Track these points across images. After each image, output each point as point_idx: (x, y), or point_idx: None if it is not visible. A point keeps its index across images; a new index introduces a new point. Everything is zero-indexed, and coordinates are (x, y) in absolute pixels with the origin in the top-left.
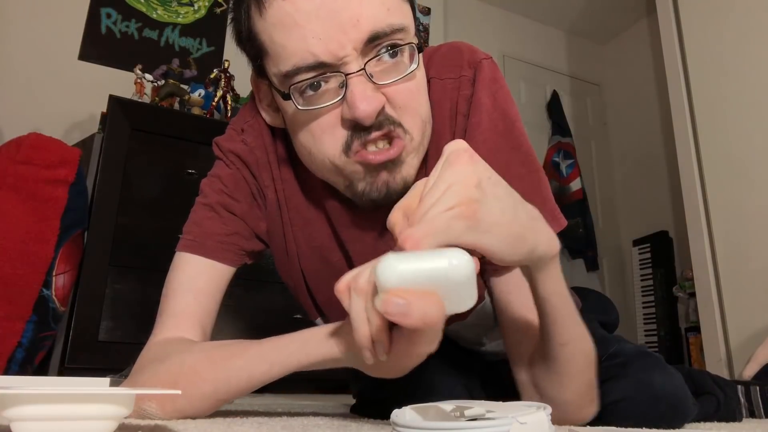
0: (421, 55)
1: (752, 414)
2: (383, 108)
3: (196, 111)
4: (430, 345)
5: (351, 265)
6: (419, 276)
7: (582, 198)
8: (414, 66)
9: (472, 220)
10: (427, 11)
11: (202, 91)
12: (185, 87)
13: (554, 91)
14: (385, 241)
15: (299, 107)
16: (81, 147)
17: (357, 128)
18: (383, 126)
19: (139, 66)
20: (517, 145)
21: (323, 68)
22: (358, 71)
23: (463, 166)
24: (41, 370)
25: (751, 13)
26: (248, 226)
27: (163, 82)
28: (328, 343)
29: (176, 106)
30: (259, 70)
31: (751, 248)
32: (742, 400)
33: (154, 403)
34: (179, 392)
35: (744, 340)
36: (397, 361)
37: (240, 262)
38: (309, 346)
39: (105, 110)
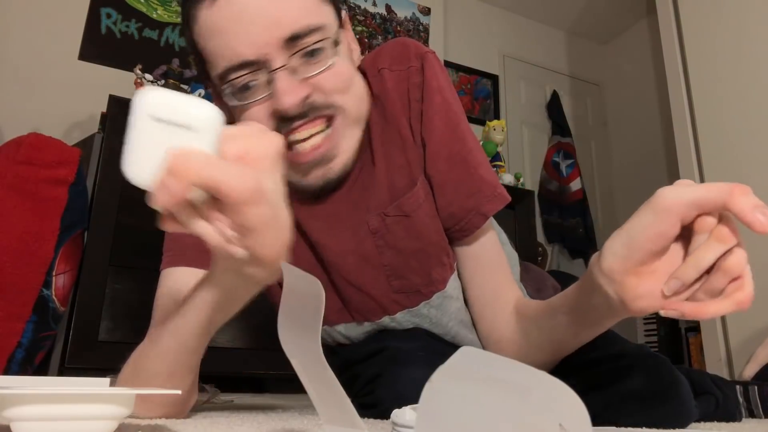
0: (340, 47)
1: (751, 414)
2: (307, 97)
3: None
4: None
5: (322, 263)
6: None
7: (582, 198)
8: (335, 58)
9: None
10: (427, 11)
11: (201, 91)
12: (185, 87)
13: (554, 91)
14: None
15: (231, 104)
16: (81, 147)
17: (284, 119)
18: (308, 114)
19: (139, 66)
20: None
21: (250, 66)
22: (282, 66)
23: None
24: (41, 370)
25: (751, 13)
26: None
27: (163, 82)
28: (207, 287)
29: None
30: (206, 76)
31: (751, 248)
32: (741, 400)
33: None
34: (179, 392)
35: (744, 340)
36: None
37: None
38: (197, 306)
39: (105, 110)
